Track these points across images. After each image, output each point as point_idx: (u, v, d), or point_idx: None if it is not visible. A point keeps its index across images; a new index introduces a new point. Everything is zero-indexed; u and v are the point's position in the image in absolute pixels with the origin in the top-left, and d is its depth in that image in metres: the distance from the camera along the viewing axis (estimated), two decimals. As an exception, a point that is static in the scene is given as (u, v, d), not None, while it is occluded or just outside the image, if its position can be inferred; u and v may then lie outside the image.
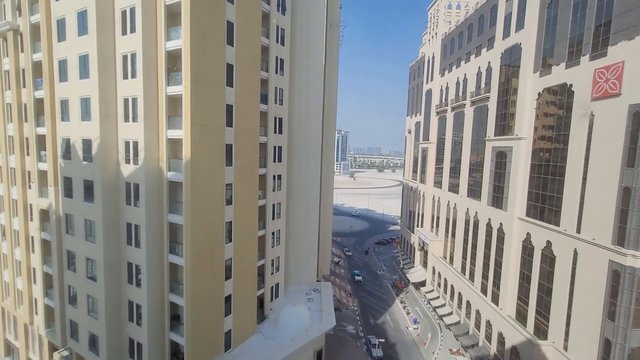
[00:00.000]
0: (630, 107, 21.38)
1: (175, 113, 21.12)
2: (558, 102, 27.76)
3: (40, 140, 25.53)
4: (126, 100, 21.03)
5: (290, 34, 31.51)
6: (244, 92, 23.88)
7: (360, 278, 57.20)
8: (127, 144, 21.23)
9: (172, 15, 20.65)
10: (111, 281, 22.06)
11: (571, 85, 26.13)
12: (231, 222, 23.78)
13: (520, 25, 32.26)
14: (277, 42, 29.53)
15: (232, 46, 22.52)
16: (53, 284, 25.30)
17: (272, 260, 31.19)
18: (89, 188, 21.70)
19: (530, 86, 30.76)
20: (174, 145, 21.24)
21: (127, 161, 21.35)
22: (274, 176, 30.62)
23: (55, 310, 25.46)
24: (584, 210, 24.75)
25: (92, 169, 21.33)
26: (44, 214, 25.97)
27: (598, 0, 23.99)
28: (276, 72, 29.85)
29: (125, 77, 20.97)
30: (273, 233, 31.04)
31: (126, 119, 21.16)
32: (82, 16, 20.84)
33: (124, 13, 20.54)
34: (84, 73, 21.19)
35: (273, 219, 30.80)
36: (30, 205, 27.04)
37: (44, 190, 25.58)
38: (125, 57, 20.80)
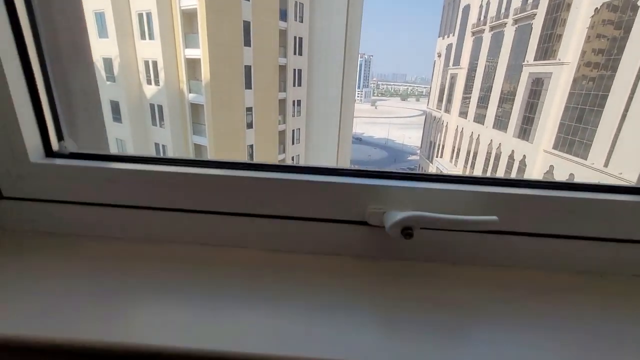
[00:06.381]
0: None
1: (191, 30, 20.24)
2: (617, 20, 24.29)
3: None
4: (140, 15, 20.13)
5: None
6: (261, 7, 22.16)
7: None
8: (146, 63, 21.02)
9: None
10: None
11: (638, -2, 22.44)
12: (252, 145, 24.46)
13: None
14: (297, -56, 26.03)
15: (248, -50, 20.17)
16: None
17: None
18: (115, 109, 22.37)
19: (586, 0, 26.70)
20: (193, 65, 20.88)
21: (149, 82, 21.42)
22: (294, 101, 30.12)
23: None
24: (617, 144, 23.65)
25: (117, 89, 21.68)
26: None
27: None
28: (296, -17, 26.99)
29: (136, -12, 19.71)
30: (292, 158, 31.89)
31: (142, 37, 20.56)
32: None
33: None
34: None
35: (292, 144, 31.29)
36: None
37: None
38: (134, -36, 19.24)
